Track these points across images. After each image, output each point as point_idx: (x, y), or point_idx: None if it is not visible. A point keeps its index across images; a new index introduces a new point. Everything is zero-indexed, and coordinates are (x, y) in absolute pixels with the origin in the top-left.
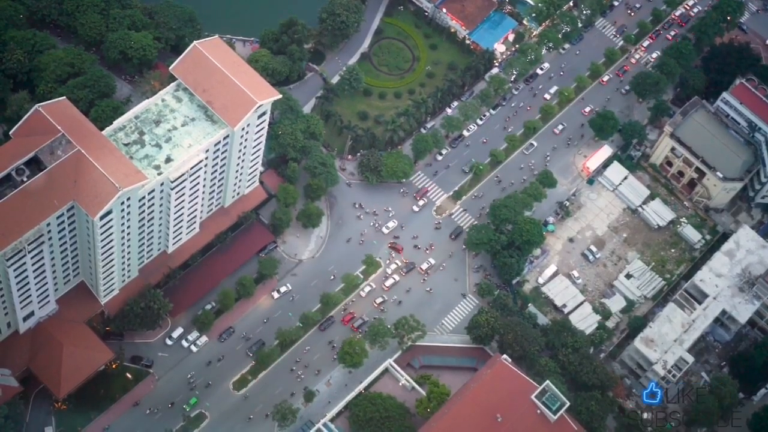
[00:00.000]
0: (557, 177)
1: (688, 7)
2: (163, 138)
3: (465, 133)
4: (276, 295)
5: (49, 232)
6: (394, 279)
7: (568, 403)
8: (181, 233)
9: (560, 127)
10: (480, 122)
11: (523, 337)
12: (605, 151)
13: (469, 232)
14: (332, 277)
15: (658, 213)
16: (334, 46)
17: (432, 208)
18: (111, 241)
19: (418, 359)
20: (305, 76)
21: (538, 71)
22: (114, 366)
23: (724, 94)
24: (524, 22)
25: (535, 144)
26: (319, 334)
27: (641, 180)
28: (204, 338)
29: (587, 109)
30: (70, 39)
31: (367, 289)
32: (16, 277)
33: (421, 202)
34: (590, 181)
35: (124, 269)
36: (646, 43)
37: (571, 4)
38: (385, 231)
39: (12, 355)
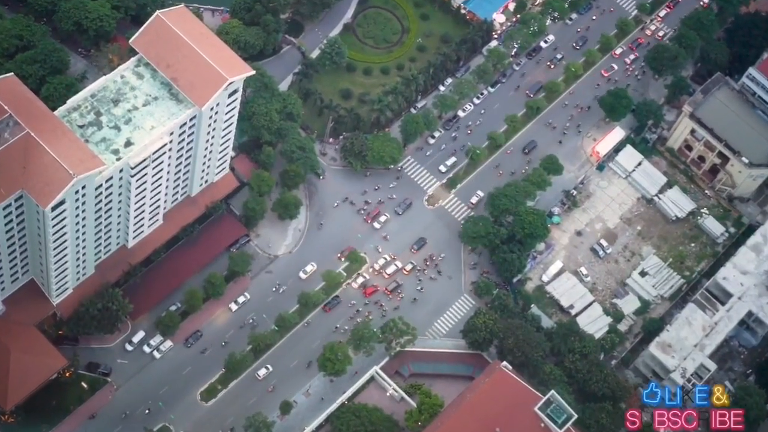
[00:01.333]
0: (563, 163)
1: None
2: (123, 119)
3: (460, 113)
4: (234, 306)
5: None
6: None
7: (575, 416)
8: (142, 226)
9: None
10: (477, 101)
11: (525, 341)
12: (617, 133)
13: (465, 224)
14: (303, 276)
15: (676, 203)
16: (313, 17)
17: (423, 197)
18: (64, 234)
19: (407, 366)
20: (281, 50)
21: (542, 44)
22: (68, 374)
23: (750, 70)
24: None
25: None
26: (298, 337)
27: (657, 166)
28: (168, 343)
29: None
30: (19, 8)
31: (360, 280)
32: None
33: (376, 224)
34: (600, 168)
35: (78, 266)
36: (662, 13)
37: None
38: (376, 226)
39: None
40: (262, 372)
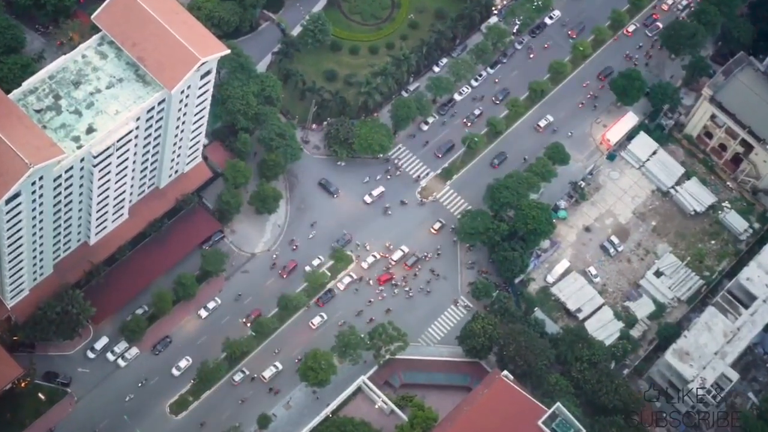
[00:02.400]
0: (570, 151)
1: None
2: (84, 103)
3: (456, 96)
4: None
5: None
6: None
7: (583, 431)
8: (106, 221)
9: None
10: (475, 83)
11: (527, 348)
12: (629, 119)
13: (462, 219)
14: (283, 276)
15: (695, 196)
16: None
17: (416, 189)
18: (19, 230)
19: (398, 376)
20: (259, 27)
21: (547, 20)
22: (23, 384)
23: None
24: None
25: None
26: (277, 343)
27: (674, 155)
28: (134, 350)
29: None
30: None
31: (347, 280)
32: None
33: (287, 277)
34: (611, 157)
35: (35, 265)
36: None
37: None
38: (364, 221)
39: None
40: (238, 377)
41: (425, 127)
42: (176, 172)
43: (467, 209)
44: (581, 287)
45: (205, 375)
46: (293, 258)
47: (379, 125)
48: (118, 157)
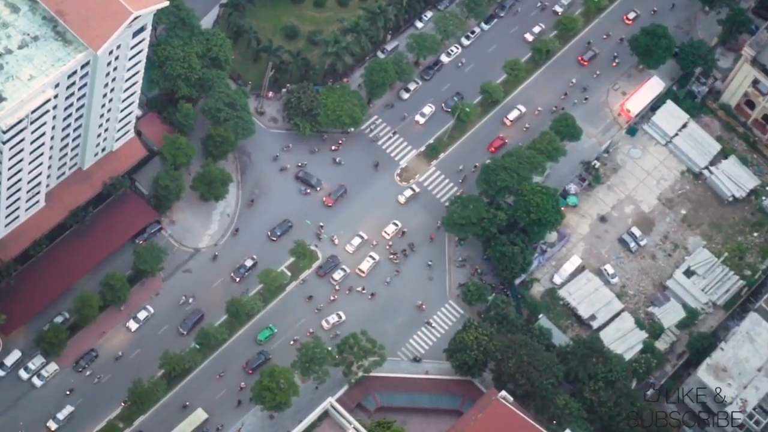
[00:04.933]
0: (582, 124)
1: None
2: None
3: (444, 58)
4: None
5: None
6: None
7: None
8: (17, 209)
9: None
10: (466, 42)
11: (530, 364)
12: (654, 85)
13: (450, 207)
14: (237, 280)
15: (734, 178)
16: None
17: (394, 171)
18: None
19: (373, 397)
20: None
21: None
22: None
23: None
24: None
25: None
26: (226, 358)
27: (708, 128)
28: (53, 366)
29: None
30: None
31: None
32: None
33: (331, 207)
34: (631, 131)
35: None
36: None
37: None
38: (331, 209)
39: None
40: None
41: (406, 95)
42: (103, 150)
43: (457, 195)
44: (595, 289)
45: (139, 397)
46: (245, 254)
47: (350, 93)
48: (32, 132)
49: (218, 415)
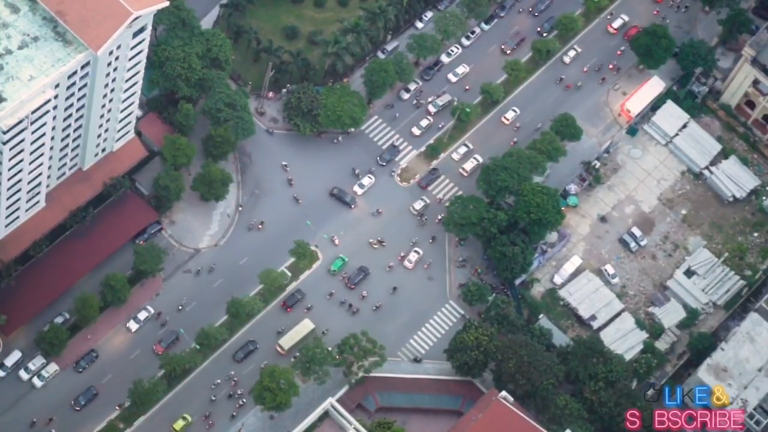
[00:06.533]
0: (582, 124)
1: None
2: None
3: (444, 58)
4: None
5: None
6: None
7: None
8: (18, 210)
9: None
10: (467, 42)
11: (530, 364)
12: (654, 85)
13: (451, 207)
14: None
15: (734, 178)
16: None
17: (395, 170)
18: None
19: (373, 398)
20: None
21: None
22: None
23: None
24: None
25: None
26: (226, 359)
27: (709, 129)
28: (53, 366)
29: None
30: None
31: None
32: None
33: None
34: (632, 131)
35: None
36: None
37: None
38: (332, 209)
39: None
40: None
41: (406, 96)
42: (104, 150)
43: (457, 195)
44: (596, 290)
45: (139, 397)
46: (245, 255)
47: (350, 93)
48: (32, 133)
49: (217, 413)
